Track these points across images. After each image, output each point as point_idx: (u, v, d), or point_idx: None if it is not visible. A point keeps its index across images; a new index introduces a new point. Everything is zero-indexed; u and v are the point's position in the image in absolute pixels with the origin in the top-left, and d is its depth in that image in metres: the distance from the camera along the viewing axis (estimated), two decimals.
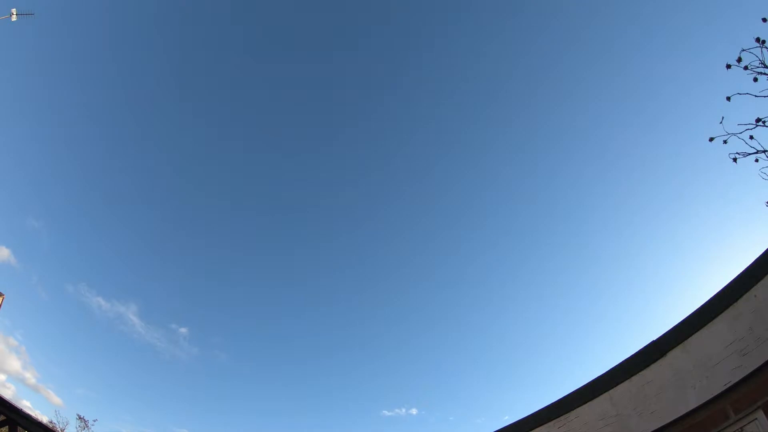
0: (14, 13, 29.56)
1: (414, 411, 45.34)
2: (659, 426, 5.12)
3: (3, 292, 16.68)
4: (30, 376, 39.83)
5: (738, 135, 5.04)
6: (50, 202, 46.61)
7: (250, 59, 48.75)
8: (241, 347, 51.39)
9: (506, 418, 45.82)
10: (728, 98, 5.10)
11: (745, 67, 5.00)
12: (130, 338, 46.21)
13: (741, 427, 4.64)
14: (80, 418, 26.57)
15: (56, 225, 46.55)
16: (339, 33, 47.75)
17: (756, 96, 4.95)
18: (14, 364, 39.19)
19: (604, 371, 5.87)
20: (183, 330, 47.55)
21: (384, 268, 54.09)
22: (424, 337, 52.53)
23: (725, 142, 5.15)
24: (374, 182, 51.97)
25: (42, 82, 43.69)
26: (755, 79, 4.97)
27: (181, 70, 48.36)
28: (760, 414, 4.50)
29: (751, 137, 5.01)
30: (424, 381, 50.39)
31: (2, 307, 16.79)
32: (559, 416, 6.16)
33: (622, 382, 5.63)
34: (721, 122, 5.10)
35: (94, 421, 26.87)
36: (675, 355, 5.24)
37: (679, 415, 4.99)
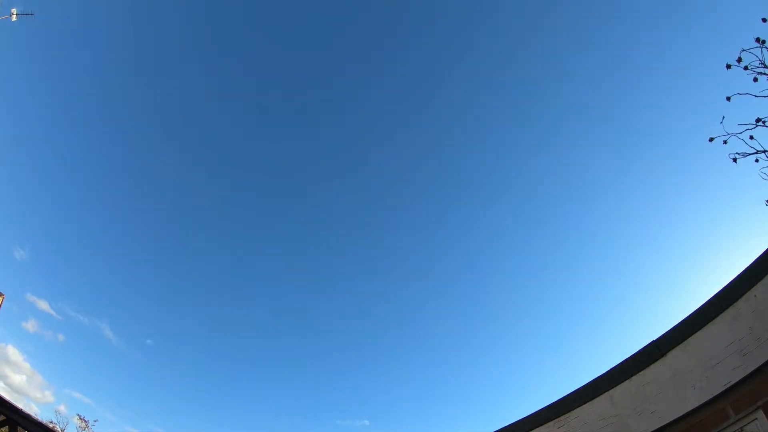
0: (14, 13, 29.57)
1: (366, 422, 45.82)
2: (659, 426, 5.12)
3: (2, 293, 16.69)
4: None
5: (738, 135, 5.05)
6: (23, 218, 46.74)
7: (240, 58, 48.76)
8: (204, 357, 52.94)
9: None
10: (728, 98, 5.11)
11: (745, 67, 5.01)
12: (107, 349, 48.31)
13: (741, 427, 4.65)
14: (80, 418, 26.60)
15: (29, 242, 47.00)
16: (336, 30, 47.75)
17: (756, 96, 4.96)
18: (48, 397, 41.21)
19: (604, 371, 5.87)
20: (149, 342, 50.15)
21: (353, 271, 53.99)
22: (396, 346, 52.49)
23: (725, 142, 5.16)
24: (351, 184, 51.57)
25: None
26: (755, 79, 4.98)
27: (172, 76, 48.32)
28: (760, 414, 4.51)
29: (751, 137, 5.02)
30: (379, 393, 50.61)
31: (1, 307, 16.80)
32: (559, 416, 6.15)
33: (622, 382, 5.63)
34: (721, 122, 5.11)
35: (95, 421, 26.92)
36: (675, 355, 5.24)
37: (679, 415, 4.99)
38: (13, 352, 40.15)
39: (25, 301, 41.08)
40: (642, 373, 5.47)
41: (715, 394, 4.76)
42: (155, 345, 49.58)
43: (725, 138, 5.14)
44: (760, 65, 4.92)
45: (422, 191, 50.74)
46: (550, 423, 6.22)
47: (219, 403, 49.45)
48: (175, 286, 53.00)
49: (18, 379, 39.40)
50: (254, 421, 47.63)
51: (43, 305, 43.23)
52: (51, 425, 20.38)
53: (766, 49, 4.88)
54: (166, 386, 50.32)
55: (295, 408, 49.09)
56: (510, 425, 6.79)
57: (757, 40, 4.91)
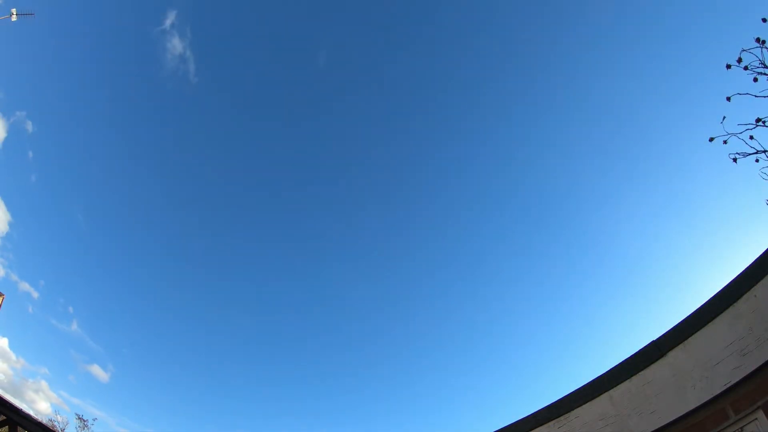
0: (14, 13, 29.56)
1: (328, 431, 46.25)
2: (659, 426, 5.12)
3: (2, 293, 16.68)
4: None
5: (738, 135, 5.04)
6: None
7: (240, 61, 48.67)
8: (183, 363, 53.69)
9: None
10: (728, 98, 5.10)
11: (745, 67, 4.99)
12: (92, 356, 49.49)
13: (741, 427, 4.64)
14: (79, 418, 26.57)
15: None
16: (338, 30, 47.71)
17: (756, 96, 4.95)
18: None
19: (604, 371, 5.87)
20: (126, 351, 52.30)
21: (343, 273, 54.01)
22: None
23: (725, 142, 5.15)
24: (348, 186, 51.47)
25: None
26: (755, 79, 4.97)
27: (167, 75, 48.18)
28: (760, 414, 4.50)
29: (751, 137, 5.01)
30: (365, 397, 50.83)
31: (2, 307, 16.79)
32: (559, 416, 6.15)
33: (622, 382, 5.63)
34: (721, 122, 5.10)
35: (94, 420, 26.89)
36: (675, 355, 5.23)
37: (679, 415, 4.99)
38: (44, 385, 41.77)
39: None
40: (642, 373, 5.47)
41: (715, 394, 4.75)
42: (132, 352, 50.22)
43: (725, 138, 5.13)
44: (760, 65, 4.91)
45: (424, 194, 50.68)
46: (550, 423, 6.22)
47: (202, 404, 50.05)
48: (160, 288, 53.35)
49: (44, 406, 40.50)
50: (232, 421, 48.12)
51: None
52: (51, 425, 20.35)
53: (766, 49, 4.87)
54: (150, 389, 51.00)
55: (265, 411, 49.54)
56: (510, 425, 6.78)
57: (757, 40, 4.89)
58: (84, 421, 26.46)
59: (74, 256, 51.58)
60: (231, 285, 55.90)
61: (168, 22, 46.57)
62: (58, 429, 25.00)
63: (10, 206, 45.40)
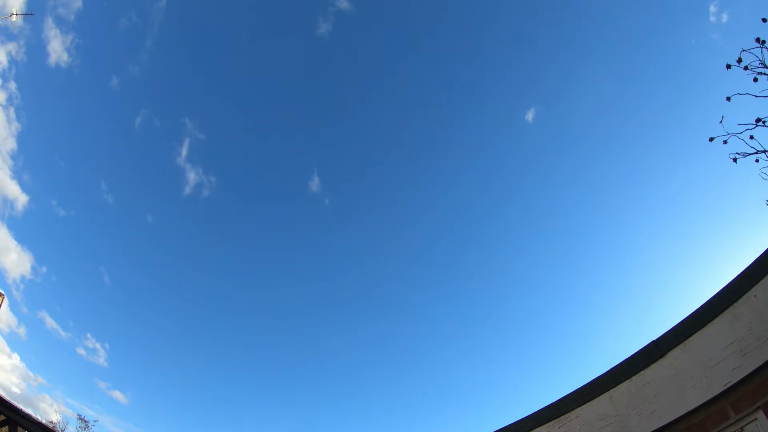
0: (14, 13, 29.59)
1: None
2: (659, 426, 5.13)
3: (3, 293, 16.68)
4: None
5: (738, 135, 5.05)
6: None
7: (243, 59, 48.74)
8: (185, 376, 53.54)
9: None
10: (728, 98, 5.10)
11: (745, 67, 5.00)
12: (115, 383, 49.77)
13: (741, 427, 4.65)
14: (80, 418, 26.52)
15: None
16: (337, 30, 47.73)
17: (756, 96, 4.96)
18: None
19: (604, 371, 5.88)
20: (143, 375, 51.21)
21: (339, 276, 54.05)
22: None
23: (725, 142, 5.15)
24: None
25: None
26: (755, 79, 4.97)
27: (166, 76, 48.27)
28: (760, 414, 4.51)
29: (751, 137, 5.02)
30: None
31: (1, 307, 16.79)
32: (559, 416, 6.16)
33: (622, 382, 5.63)
34: (721, 122, 5.11)
35: (95, 421, 26.84)
36: (675, 355, 5.24)
37: (679, 415, 4.99)
38: (60, 400, 41.72)
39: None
40: (642, 373, 5.47)
41: (715, 394, 4.76)
42: (149, 374, 50.04)
43: (725, 138, 5.14)
44: (760, 65, 4.92)
45: (426, 196, 50.74)
46: (550, 423, 6.22)
47: (207, 408, 50.13)
48: (169, 307, 53.43)
49: (56, 418, 40.68)
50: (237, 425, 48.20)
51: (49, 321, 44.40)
52: (51, 425, 20.33)
53: (766, 49, 4.88)
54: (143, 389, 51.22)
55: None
56: (510, 425, 6.79)
57: (757, 40, 4.90)
58: (85, 421, 26.43)
59: (101, 302, 52.18)
60: (240, 296, 56.03)
61: (183, 153, 47.30)
62: (58, 429, 24.99)
63: (40, 259, 46.21)
